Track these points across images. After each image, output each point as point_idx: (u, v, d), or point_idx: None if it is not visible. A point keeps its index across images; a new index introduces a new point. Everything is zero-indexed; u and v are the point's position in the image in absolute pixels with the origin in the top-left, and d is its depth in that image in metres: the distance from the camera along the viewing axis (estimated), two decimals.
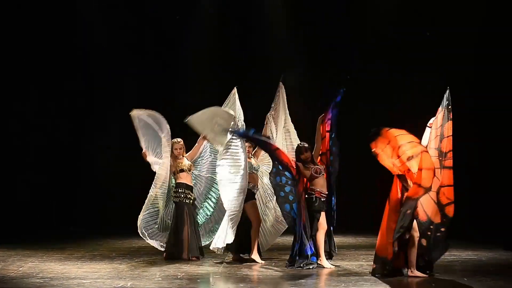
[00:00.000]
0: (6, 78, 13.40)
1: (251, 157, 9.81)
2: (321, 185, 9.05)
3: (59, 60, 13.71)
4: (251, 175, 9.64)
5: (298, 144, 9.31)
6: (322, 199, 9.00)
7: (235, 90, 10.07)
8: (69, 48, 13.75)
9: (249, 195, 9.46)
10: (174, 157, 9.94)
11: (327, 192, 9.10)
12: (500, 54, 12.76)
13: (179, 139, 10.01)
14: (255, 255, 9.47)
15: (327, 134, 9.25)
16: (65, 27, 13.63)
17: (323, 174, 9.10)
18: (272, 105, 9.93)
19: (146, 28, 13.90)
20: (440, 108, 8.46)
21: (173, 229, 9.81)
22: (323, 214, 9.04)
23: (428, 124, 8.54)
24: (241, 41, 13.86)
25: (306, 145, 9.18)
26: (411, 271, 8.16)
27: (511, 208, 12.17)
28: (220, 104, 10.03)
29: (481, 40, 12.97)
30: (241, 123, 9.95)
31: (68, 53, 13.76)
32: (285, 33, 13.75)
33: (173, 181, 9.97)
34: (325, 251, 9.12)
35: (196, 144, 10.14)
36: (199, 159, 10.25)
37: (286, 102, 9.98)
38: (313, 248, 8.93)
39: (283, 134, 9.97)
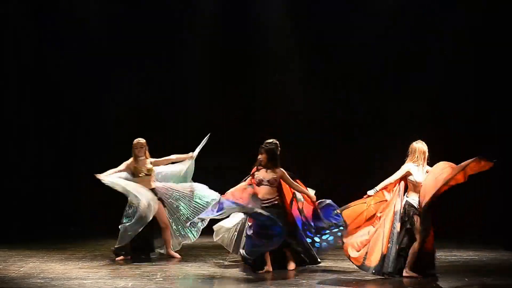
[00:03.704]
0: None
1: None
2: (262, 192, 8.77)
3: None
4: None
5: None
6: None
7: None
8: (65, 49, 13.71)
9: None
10: (135, 157, 9.85)
11: (266, 199, 8.72)
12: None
13: (140, 139, 9.86)
14: None
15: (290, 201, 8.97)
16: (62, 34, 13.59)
17: (267, 185, 8.75)
18: None
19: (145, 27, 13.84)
20: None
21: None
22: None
23: None
24: (242, 39, 13.76)
25: (266, 146, 8.78)
26: (406, 271, 8.20)
27: (511, 208, 12.20)
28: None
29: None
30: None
31: (64, 55, 13.72)
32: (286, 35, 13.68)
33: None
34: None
35: (168, 157, 9.98)
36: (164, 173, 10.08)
37: None
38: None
39: None
